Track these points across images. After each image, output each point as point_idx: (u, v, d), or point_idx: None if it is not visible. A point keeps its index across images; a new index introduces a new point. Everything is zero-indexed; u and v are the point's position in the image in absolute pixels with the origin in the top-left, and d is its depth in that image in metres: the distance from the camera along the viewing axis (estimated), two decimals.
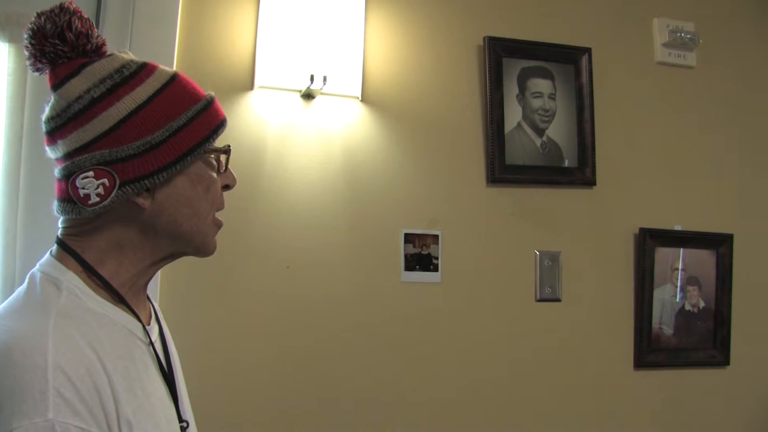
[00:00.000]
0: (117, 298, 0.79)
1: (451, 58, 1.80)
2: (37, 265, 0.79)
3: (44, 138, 0.79)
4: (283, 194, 1.62)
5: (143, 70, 0.79)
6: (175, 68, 1.52)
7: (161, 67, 0.81)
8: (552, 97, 1.87)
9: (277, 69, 1.57)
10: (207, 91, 0.84)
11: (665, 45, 1.99)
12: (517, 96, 1.83)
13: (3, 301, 0.78)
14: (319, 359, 1.62)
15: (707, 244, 1.97)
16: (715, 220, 2.00)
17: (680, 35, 1.97)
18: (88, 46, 0.78)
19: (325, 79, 1.56)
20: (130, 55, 0.81)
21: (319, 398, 1.61)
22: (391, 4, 1.76)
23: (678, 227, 1.94)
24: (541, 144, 1.84)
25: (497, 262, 1.79)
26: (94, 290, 0.77)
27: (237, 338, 1.57)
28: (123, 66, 0.78)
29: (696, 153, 2.02)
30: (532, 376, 1.78)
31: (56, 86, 0.77)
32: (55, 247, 0.80)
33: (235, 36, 1.62)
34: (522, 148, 1.82)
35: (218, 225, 0.86)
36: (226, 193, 0.88)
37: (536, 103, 1.85)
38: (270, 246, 1.60)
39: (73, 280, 0.76)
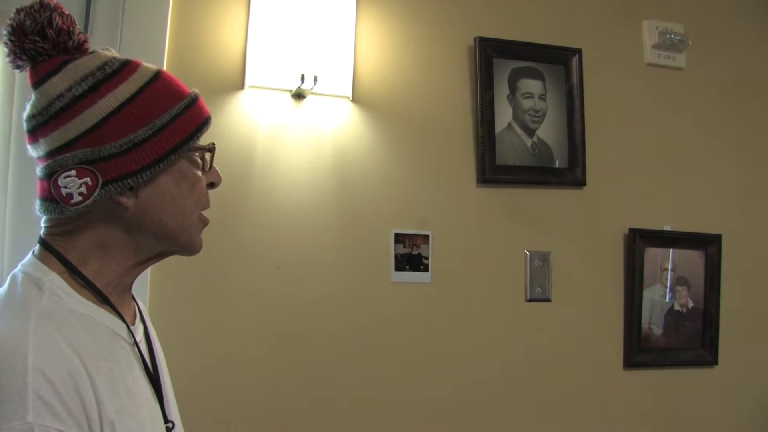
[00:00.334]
0: (101, 298, 0.78)
1: (441, 58, 1.80)
2: (19, 266, 0.78)
3: (26, 136, 0.78)
4: (273, 194, 1.62)
5: (126, 67, 0.78)
6: (165, 67, 1.53)
7: (144, 64, 0.80)
8: (542, 97, 1.87)
9: (267, 68, 1.57)
10: (191, 88, 0.83)
11: (655, 46, 2.01)
12: (508, 96, 1.84)
13: None
14: (310, 359, 1.61)
15: (696, 245, 1.99)
16: (704, 221, 2.01)
17: (670, 37, 1.98)
18: (70, 43, 0.77)
19: (315, 78, 1.56)
20: (112, 52, 0.80)
21: (310, 398, 1.60)
22: (382, 4, 1.76)
23: (667, 228, 1.96)
24: (531, 144, 1.84)
25: (487, 263, 1.79)
26: (77, 291, 0.76)
27: (227, 338, 1.56)
28: (105, 63, 0.77)
29: (685, 154, 2.03)
30: (522, 376, 1.79)
31: (37, 84, 0.76)
32: (37, 247, 0.79)
33: (225, 35, 1.62)
34: (512, 148, 1.82)
35: (204, 222, 0.85)
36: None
37: (527, 103, 1.85)
38: (260, 246, 1.60)
39: (55, 281, 0.75)
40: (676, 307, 1.96)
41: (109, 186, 0.74)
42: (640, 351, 1.89)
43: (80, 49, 0.78)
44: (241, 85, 1.62)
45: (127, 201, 0.77)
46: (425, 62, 1.79)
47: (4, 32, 0.76)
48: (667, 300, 1.95)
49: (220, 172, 0.87)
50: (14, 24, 0.75)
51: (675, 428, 1.93)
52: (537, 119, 1.86)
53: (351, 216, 1.68)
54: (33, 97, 0.76)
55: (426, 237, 1.73)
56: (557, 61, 1.89)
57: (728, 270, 2.01)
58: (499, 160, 1.80)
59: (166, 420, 0.83)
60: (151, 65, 0.81)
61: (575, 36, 1.93)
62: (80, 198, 0.74)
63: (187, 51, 1.59)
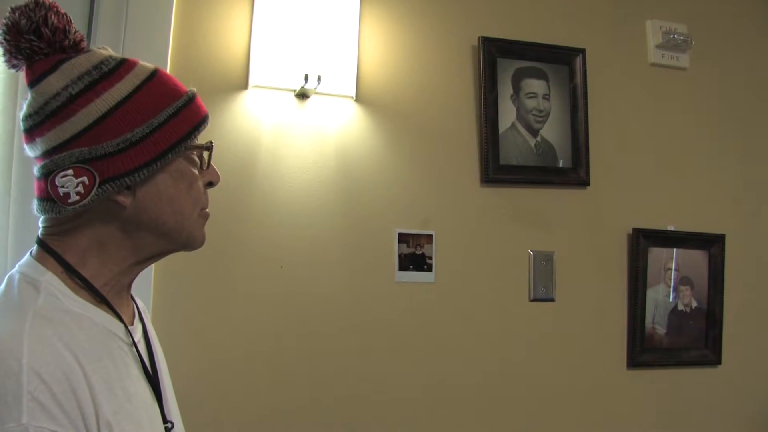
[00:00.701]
0: (98, 298, 0.77)
1: (445, 58, 1.80)
2: (16, 266, 0.78)
3: (22, 136, 0.77)
4: (277, 194, 1.62)
5: (123, 66, 0.78)
6: (168, 67, 1.53)
7: (141, 62, 0.80)
8: (546, 97, 1.87)
9: (271, 68, 1.57)
10: (190, 87, 0.82)
11: (659, 46, 2.00)
12: (512, 96, 1.83)
13: None
14: (313, 359, 1.61)
15: (700, 245, 1.98)
16: (708, 221, 2.01)
17: (673, 37, 1.98)
18: (66, 42, 0.76)
19: (319, 78, 1.56)
20: (109, 51, 0.80)
21: (313, 398, 1.60)
22: (386, 3, 1.76)
23: (671, 227, 1.95)
24: (535, 144, 1.84)
25: (491, 262, 1.79)
26: (75, 291, 0.76)
27: (231, 338, 1.56)
28: (102, 62, 0.77)
29: (689, 154, 2.03)
30: (525, 376, 1.79)
31: (33, 83, 0.75)
32: (35, 247, 0.79)
33: (229, 35, 1.62)
34: (516, 148, 1.82)
35: (205, 218, 0.85)
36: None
37: (530, 103, 1.85)
38: (264, 246, 1.60)
39: (52, 281, 0.75)
40: (680, 307, 1.96)
41: (107, 185, 0.74)
42: (643, 351, 1.89)
43: (76, 47, 0.77)
44: (244, 85, 1.62)
45: (125, 200, 0.76)
46: (429, 62, 1.79)
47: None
48: (670, 300, 1.94)
49: (218, 170, 0.86)
50: (9, 23, 0.75)
51: (679, 428, 1.92)
52: (540, 119, 1.86)
53: (354, 216, 1.68)
54: (29, 96, 0.76)
55: (430, 237, 1.73)
56: (561, 61, 1.89)
57: (732, 270, 2.01)
58: (502, 159, 1.80)
59: (165, 420, 0.82)
60: (147, 64, 0.81)
61: (579, 36, 1.93)
62: (77, 197, 0.73)
63: (191, 51, 1.59)
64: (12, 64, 0.77)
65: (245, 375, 1.56)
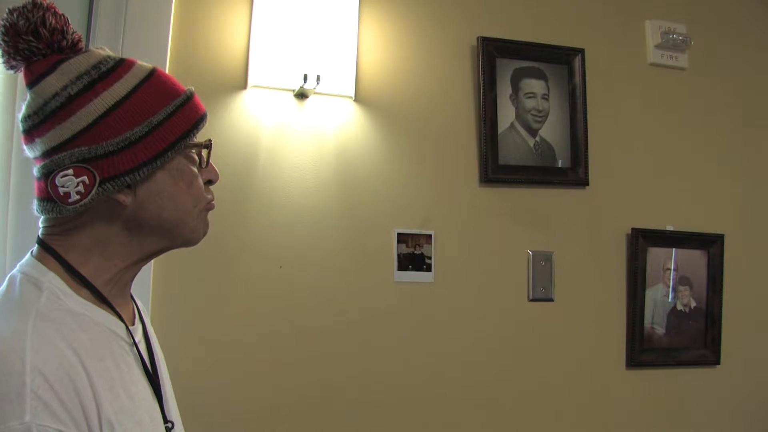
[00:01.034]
0: (99, 298, 0.78)
1: (444, 58, 1.80)
2: (17, 266, 0.78)
3: (21, 137, 0.78)
4: (276, 194, 1.62)
5: (121, 65, 0.78)
6: (168, 67, 1.53)
7: (139, 62, 0.80)
8: (545, 97, 1.87)
9: (270, 68, 1.57)
10: (188, 87, 0.83)
11: (658, 46, 2.00)
12: (511, 96, 1.84)
13: None
14: (312, 359, 1.62)
15: (699, 245, 1.99)
16: (707, 221, 2.01)
17: (672, 37, 1.98)
18: (64, 43, 0.76)
19: (318, 78, 1.56)
20: (107, 51, 0.80)
21: (311, 398, 1.60)
22: (385, 3, 1.76)
23: (670, 227, 1.95)
24: (534, 144, 1.84)
25: (490, 262, 1.79)
26: (76, 290, 0.76)
27: (230, 338, 1.56)
28: (100, 62, 0.77)
29: (688, 154, 2.03)
30: (524, 376, 1.79)
31: (32, 84, 0.76)
32: (35, 247, 0.79)
33: (228, 35, 1.62)
34: (515, 148, 1.82)
35: (208, 210, 0.85)
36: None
37: (529, 103, 1.85)
38: (263, 246, 1.60)
39: (54, 281, 0.75)
40: (679, 307, 1.96)
41: (107, 184, 0.74)
42: (642, 351, 1.89)
43: (74, 48, 0.78)
44: (244, 85, 1.62)
45: (126, 198, 0.77)
46: (428, 62, 1.79)
47: None
48: (669, 300, 1.95)
49: (217, 169, 0.87)
50: (7, 24, 0.75)
51: (678, 427, 1.93)
52: (540, 119, 1.86)
53: (354, 216, 1.68)
54: (28, 97, 0.76)
55: (429, 237, 1.73)
56: (560, 61, 1.89)
57: (731, 270, 2.01)
58: (501, 159, 1.80)
59: (165, 420, 0.83)
60: (145, 63, 0.81)
61: (578, 36, 1.93)
62: (78, 197, 0.74)
63: (190, 51, 1.59)
64: (10, 65, 0.77)
65: (244, 375, 1.56)
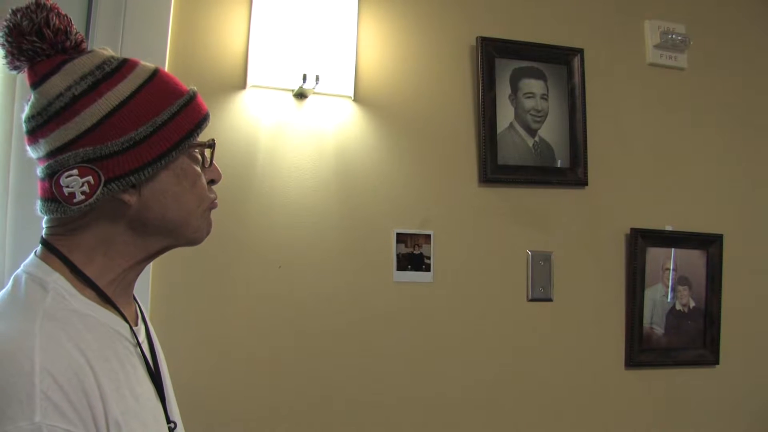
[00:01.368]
0: (104, 298, 0.78)
1: (443, 58, 1.80)
2: (22, 267, 0.78)
3: (25, 137, 0.78)
4: (275, 194, 1.62)
5: (125, 65, 0.78)
6: (167, 67, 1.53)
7: (142, 62, 0.80)
8: (544, 97, 1.87)
9: (269, 68, 1.57)
10: (189, 86, 0.83)
11: (657, 47, 2.01)
12: (510, 96, 1.84)
13: None
14: (311, 359, 1.61)
15: (698, 245, 1.99)
16: (706, 221, 2.01)
17: (671, 37, 1.98)
18: (67, 43, 0.76)
19: (317, 78, 1.56)
20: (110, 52, 0.80)
21: (311, 398, 1.60)
22: (384, 3, 1.76)
23: (669, 227, 1.96)
24: (533, 144, 1.84)
25: (489, 262, 1.79)
26: (81, 291, 0.76)
27: (229, 338, 1.56)
28: (104, 62, 0.77)
29: (687, 154, 2.03)
30: (523, 376, 1.79)
31: (36, 84, 0.76)
32: (39, 247, 0.79)
33: (227, 35, 1.62)
34: (514, 148, 1.82)
35: (210, 209, 0.86)
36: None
37: (528, 103, 1.85)
38: (262, 246, 1.60)
39: (59, 281, 0.75)
40: (678, 307, 1.96)
41: (112, 184, 0.75)
42: (641, 350, 1.89)
43: (78, 48, 0.78)
44: (243, 85, 1.62)
45: (130, 198, 0.77)
46: (427, 62, 1.79)
47: (1, 33, 0.76)
48: (668, 300, 1.95)
49: (220, 168, 0.87)
50: (11, 25, 0.75)
51: (676, 427, 1.93)
52: (539, 119, 1.86)
53: (353, 216, 1.68)
54: (32, 97, 0.76)
55: (428, 237, 1.73)
56: (559, 61, 1.89)
57: (729, 270, 2.01)
58: (500, 159, 1.80)
59: (168, 420, 0.83)
60: (149, 63, 0.81)
61: (577, 36, 1.93)
62: (83, 197, 0.74)
63: (189, 51, 1.59)
64: (14, 66, 0.77)
65: (244, 374, 1.56)
